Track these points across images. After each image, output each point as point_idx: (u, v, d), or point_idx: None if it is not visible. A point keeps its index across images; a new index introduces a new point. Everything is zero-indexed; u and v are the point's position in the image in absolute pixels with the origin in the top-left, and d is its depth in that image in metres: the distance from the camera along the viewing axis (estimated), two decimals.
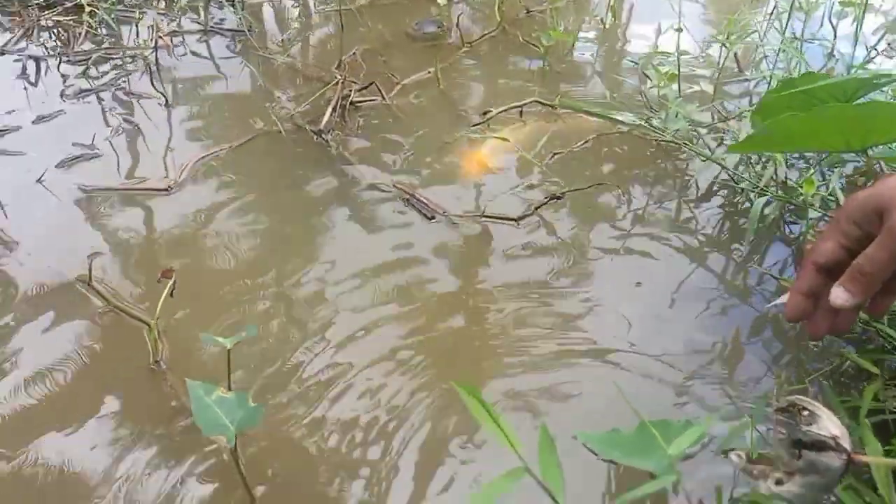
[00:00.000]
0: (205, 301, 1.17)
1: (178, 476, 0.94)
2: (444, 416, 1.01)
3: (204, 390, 0.84)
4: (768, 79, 1.51)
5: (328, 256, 1.25)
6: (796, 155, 1.35)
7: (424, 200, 1.36)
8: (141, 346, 1.09)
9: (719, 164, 1.35)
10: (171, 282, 1.08)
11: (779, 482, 0.51)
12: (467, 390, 0.49)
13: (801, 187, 1.20)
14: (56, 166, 1.42)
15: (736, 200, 1.38)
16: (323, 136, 1.51)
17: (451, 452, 0.97)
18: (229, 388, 0.88)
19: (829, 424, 0.50)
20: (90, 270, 1.16)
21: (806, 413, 0.51)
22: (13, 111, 1.56)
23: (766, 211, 1.26)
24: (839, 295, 0.65)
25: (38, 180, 1.37)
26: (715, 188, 1.42)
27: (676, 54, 1.54)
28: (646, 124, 1.44)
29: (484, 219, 1.32)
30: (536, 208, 1.32)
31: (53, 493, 0.92)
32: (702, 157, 1.39)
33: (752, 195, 1.34)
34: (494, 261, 1.25)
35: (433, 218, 1.33)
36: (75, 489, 0.92)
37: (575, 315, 1.16)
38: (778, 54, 1.60)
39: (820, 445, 0.50)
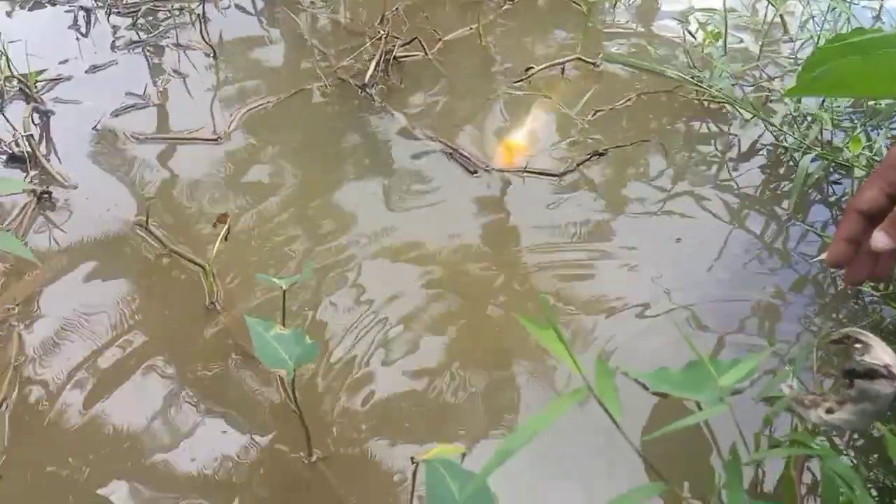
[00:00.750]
0: (254, 246, 1.20)
1: (234, 410, 0.99)
2: (471, 357, 1.04)
3: (263, 327, 0.88)
4: (815, 39, 1.50)
5: (371, 208, 1.28)
6: (842, 115, 1.35)
7: (467, 154, 1.38)
8: (196, 289, 1.13)
9: (764, 120, 1.35)
10: (225, 226, 1.11)
11: (829, 411, 0.53)
12: (529, 321, 0.52)
13: (847, 147, 1.20)
14: (110, 115, 1.46)
15: (779, 160, 1.38)
16: (367, 90, 1.53)
17: (475, 393, 1.01)
18: (284, 326, 0.92)
19: (881, 353, 0.52)
20: (147, 215, 1.20)
21: (859, 345, 0.54)
22: (66, 61, 1.60)
23: (811, 170, 1.26)
24: (880, 239, 0.67)
25: (94, 128, 1.42)
26: (757, 148, 1.42)
27: (723, 11, 1.53)
28: (691, 80, 1.44)
29: (526, 174, 1.34)
30: (578, 164, 1.34)
31: (109, 431, 0.97)
32: (746, 116, 1.39)
33: (796, 155, 1.34)
34: (535, 215, 1.27)
35: (475, 172, 1.35)
36: (132, 426, 0.97)
37: (614, 269, 1.18)
38: (826, 14, 1.58)
39: (872, 374, 0.53)
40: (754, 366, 0.55)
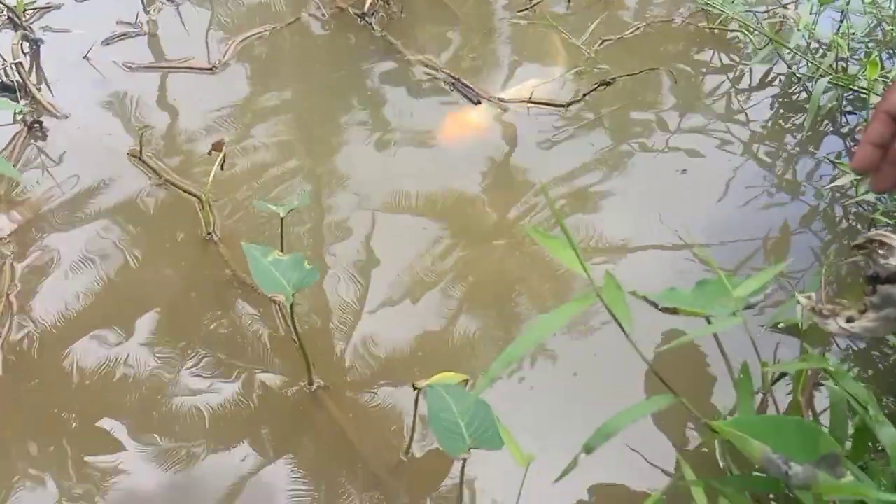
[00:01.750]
0: (250, 177, 1.17)
1: (233, 342, 0.97)
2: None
3: (261, 253, 0.86)
4: None
5: (370, 139, 1.25)
6: (857, 43, 1.30)
7: (470, 85, 1.33)
8: (192, 220, 1.10)
9: (779, 42, 1.30)
10: (221, 154, 1.08)
11: (850, 320, 0.51)
12: (538, 232, 0.49)
13: (863, 75, 1.16)
14: (101, 43, 1.41)
15: (791, 91, 1.34)
16: (366, 19, 1.48)
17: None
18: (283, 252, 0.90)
19: None
20: (141, 145, 1.17)
21: (883, 249, 0.51)
22: None
23: (823, 101, 1.22)
24: None
25: (85, 57, 1.37)
26: (769, 79, 1.38)
27: None
28: (703, 4, 1.38)
29: (531, 104, 1.30)
30: (585, 95, 1.30)
31: (105, 364, 0.95)
32: (759, 45, 1.34)
33: (809, 84, 1.30)
34: (538, 148, 1.24)
35: (479, 102, 1.31)
36: (129, 360, 0.95)
37: (618, 204, 1.15)
38: None
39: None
40: (768, 279, 0.53)
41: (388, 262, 1.06)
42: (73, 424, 0.89)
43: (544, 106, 1.30)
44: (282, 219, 0.93)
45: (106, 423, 0.89)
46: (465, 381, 0.81)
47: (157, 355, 0.95)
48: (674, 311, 0.56)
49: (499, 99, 1.31)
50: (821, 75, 1.21)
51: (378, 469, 0.84)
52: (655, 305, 0.57)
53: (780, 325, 0.78)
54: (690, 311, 0.54)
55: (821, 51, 1.32)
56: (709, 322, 0.56)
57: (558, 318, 0.43)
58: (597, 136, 1.26)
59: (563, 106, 1.29)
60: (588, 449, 0.48)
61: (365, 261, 1.06)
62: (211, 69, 1.36)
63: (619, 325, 0.44)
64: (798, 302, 0.53)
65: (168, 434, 0.88)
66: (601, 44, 1.41)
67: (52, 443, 0.87)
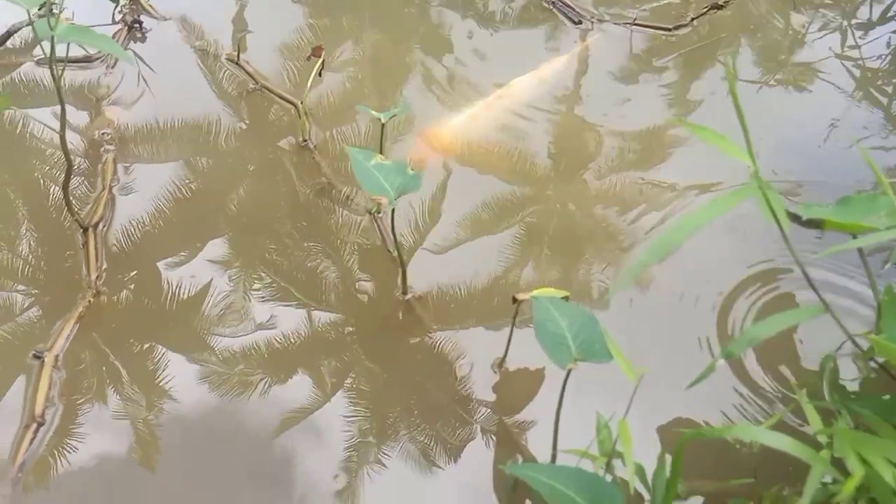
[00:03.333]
0: (345, 86, 1.16)
1: (328, 248, 0.97)
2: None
3: (363, 156, 0.84)
4: None
5: (467, 55, 1.22)
6: None
7: (570, 3, 1.28)
8: (288, 126, 1.10)
9: None
10: (320, 61, 1.07)
11: None
12: (695, 126, 0.47)
13: None
14: None
15: None
16: None
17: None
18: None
19: None
20: (238, 50, 1.16)
21: None
22: None
23: None
24: None
25: None
26: (890, 14, 1.29)
27: None
28: None
29: (634, 27, 1.25)
30: (693, 18, 1.24)
31: (202, 262, 0.95)
32: None
33: None
34: (638, 75, 1.19)
35: (580, 23, 1.26)
36: (223, 260, 0.95)
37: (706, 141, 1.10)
38: None
39: None
40: None
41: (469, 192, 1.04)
42: (168, 319, 0.90)
43: (648, 28, 1.24)
44: (382, 125, 0.91)
45: (198, 319, 0.90)
46: (566, 298, 0.79)
47: (252, 262, 0.95)
48: (818, 225, 0.53)
49: (599, 20, 1.26)
50: None
51: (471, 381, 0.84)
52: (798, 218, 0.54)
53: None
54: (840, 224, 0.51)
55: None
56: (854, 238, 0.53)
57: (712, 211, 0.41)
58: (699, 64, 1.21)
59: (668, 29, 1.23)
60: (728, 354, 0.47)
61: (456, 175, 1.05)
62: None
63: (777, 221, 0.42)
64: None
65: (260, 341, 0.89)
66: None
67: (140, 344, 0.88)
